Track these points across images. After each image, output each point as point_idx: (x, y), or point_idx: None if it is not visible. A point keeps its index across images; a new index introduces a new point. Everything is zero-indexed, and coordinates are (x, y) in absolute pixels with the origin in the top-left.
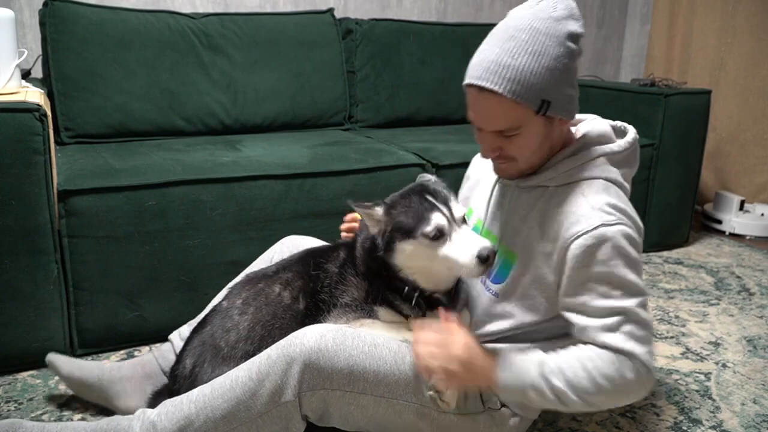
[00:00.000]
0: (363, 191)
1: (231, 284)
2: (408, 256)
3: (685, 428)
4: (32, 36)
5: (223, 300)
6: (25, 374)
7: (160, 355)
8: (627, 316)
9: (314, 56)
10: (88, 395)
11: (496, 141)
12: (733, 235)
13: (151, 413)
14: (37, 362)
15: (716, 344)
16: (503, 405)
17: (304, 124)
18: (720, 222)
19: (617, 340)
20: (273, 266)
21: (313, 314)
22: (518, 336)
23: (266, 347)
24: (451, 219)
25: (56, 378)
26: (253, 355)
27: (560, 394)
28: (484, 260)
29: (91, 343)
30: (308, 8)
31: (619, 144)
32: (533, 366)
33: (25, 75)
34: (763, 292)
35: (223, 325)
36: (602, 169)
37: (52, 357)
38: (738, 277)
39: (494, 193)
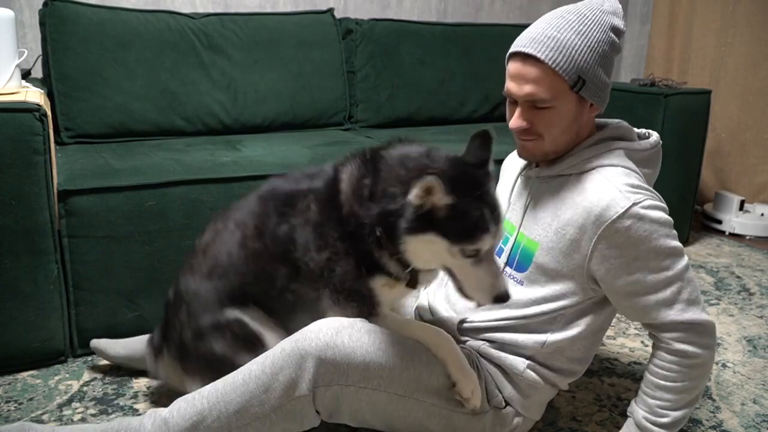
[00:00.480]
0: None
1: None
2: (427, 251)
3: (685, 428)
4: (32, 36)
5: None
6: (25, 374)
7: None
8: (681, 281)
9: (314, 56)
10: (138, 366)
11: (528, 113)
12: (733, 235)
13: (163, 411)
14: (37, 362)
15: (716, 344)
16: (507, 404)
17: (304, 124)
18: (720, 222)
19: (675, 313)
20: (233, 207)
21: (295, 275)
22: (536, 323)
23: (227, 286)
24: (493, 244)
25: (56, 378)
26: (221, 296)
27: (673, 422)
28: (498, 301)
29: None
30: (308, 8)
31: (640, 143)
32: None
33: (25, 75)
34: (763, 292)
35: (188, 268)
36: (621, 159)
37: (96, 343)
38: (738, 277)
39: (516, 185)
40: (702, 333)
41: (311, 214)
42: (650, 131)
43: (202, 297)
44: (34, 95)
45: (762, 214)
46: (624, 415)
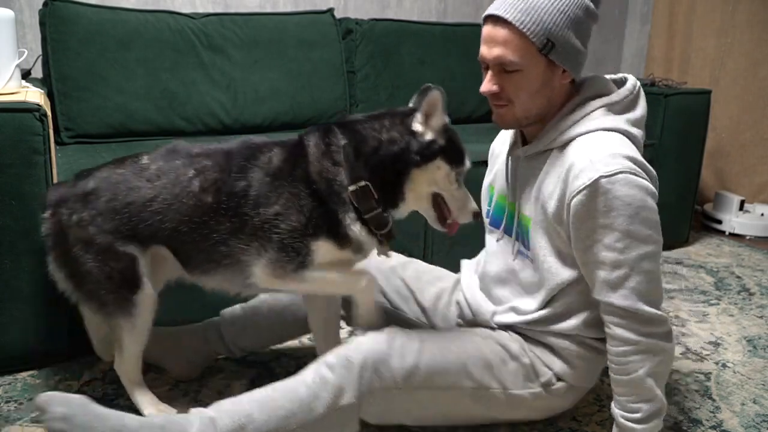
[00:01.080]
0: None
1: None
2: (431, 181)
3: (685, 428)
4: (32, 36)
5: (146, 155)
6: (25, 374)
7: (207, 328)
8: (630, 269)
9: (314, 56)
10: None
11: (498, 77)
12: (733, 235)
13: (208, 410)
14: (38, 362)
15: (716, 344)
16: (559, 379)
17: (304, 124)
18: (720, 222)
19: (616, 298)
20: (199, 147)
21: (237, 230)
22: (558, 311)
23: (155, 223)
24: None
25: (56, 378)
26: (133, 226)
27: (648, 413)
28: (476, 217)
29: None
30: (308, 8)
31: (618, 93)
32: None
33: (25, 75)
34: (763, 292)
35: (130, 180)
36: (600, 121)
37: None
38: (738, 277)
39: (508, 165)
40: (644, 322)
41: (271, 167)
42: (627, 75)
43: (118, 216)
44: (34, 95)
45: (762, 214)
46: None
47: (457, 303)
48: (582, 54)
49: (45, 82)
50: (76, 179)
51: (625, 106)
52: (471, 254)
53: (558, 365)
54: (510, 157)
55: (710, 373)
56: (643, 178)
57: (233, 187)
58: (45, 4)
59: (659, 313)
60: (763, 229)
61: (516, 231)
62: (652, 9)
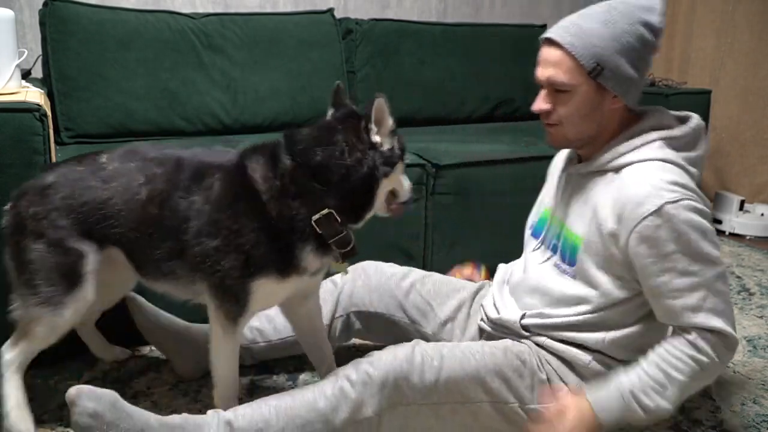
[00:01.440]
0: None
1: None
2: (392, 184)
3: (685, 428)
4: (32, 36)
5: (106, 153)
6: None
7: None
8: (707, 290)
9: (314, 56)
10: (166, 349)
11: (550, 97)
12: (733, 235)
13: (225, 413)
14: (37, 362)
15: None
16: None
17: (304, 124)
18: (720, 222)
19: (701, 319)
20: (156, 150)
21: (178, 254)
22: (592, 321)
23: (108, 225)
24: None
25: (56, 378)
26: (89, 225)
27: (655, 408)
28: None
29: None
30: (308, 8)
31: (680, 128)
32: (619, 399)
33: (25, 75)
34: (763, 292)
35: (87, 178)
36: (658, 152)
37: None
38: (738, 277)
39: (560, 182)
40: (725, 345)
41: (212, 195)
42: (690, 114)
43: (72, 214)
44: (34, 95)
45: (762, 214)
46: None
47: (482, 306)
48: (634, 81)
49: (45, 82)
50: (39, 172)
51: (685, 143)
52: (471, 254)
53: (572, 380)
54: (564, 174)
55: None
56: (704, 204)
57: (177, 204)
58: (45, 4)
59: (736, 337)
60: (763, 229)
61: (557, 245)
62: None
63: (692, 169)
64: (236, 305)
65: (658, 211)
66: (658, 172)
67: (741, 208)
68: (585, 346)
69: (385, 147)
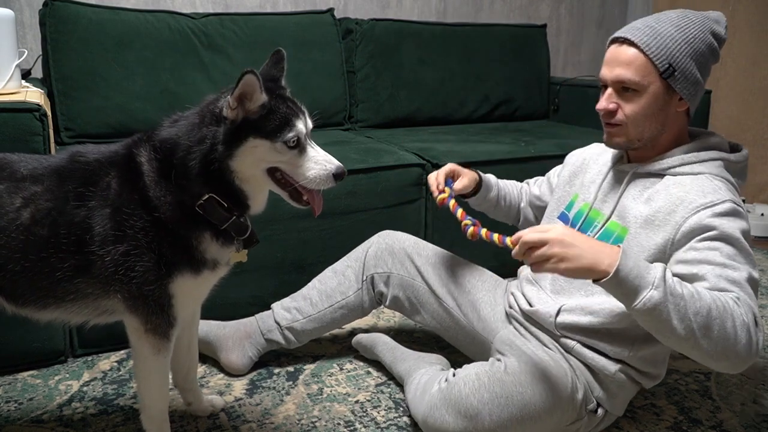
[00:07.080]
0: (363, 191)
1: None
2: (255, 160)
3: (685, 428)
4: (32, 36)
5: None
6: (25, 374)
7: (261, 319)
8: (744, 279)
9: (314, 56)
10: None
11: (616, 96)
12: None
13: None
14: (37, 362)
15: (751, 331)
16: (599, 406)
17: None
18: None
19: (736, 293)
20: (24, 166)
21: (84, 269)
22: (623, 329)
23: None
24: (308, 131)
25: (56, 378)
26: None
27: (679, 299)
28: (338, 177)
29: (91, 343)
30: (308, 8)
31: (735, 155)
32: (659, 267)
33: (25, 75)
34: (763, 292)
35: None
36: (723, 172)
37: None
38: None
39: (607, 178)
40: (751, 330)
41: (110, 195)
42: (738, 143)
43: None
44: (34, 95)
45: (762, 214)
46: (624, 416)
47: (512, 294)
48: (700, 85)
49: (45, 82)
50: None
51: (738, 170)
52: (471, 255)
53: (597, 390)
54: (613, 170)
55: (710, 372)
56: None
57: (73, 216)
58: (45, 4)
59: (758, 342)
60: (763, 229)
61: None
62: (651, 9)
63: (737, 197)
64: (162, 315)
65: (724, 204)
66: (720, 184)
67: None
68: (612, 356)
69: (231, 118)
